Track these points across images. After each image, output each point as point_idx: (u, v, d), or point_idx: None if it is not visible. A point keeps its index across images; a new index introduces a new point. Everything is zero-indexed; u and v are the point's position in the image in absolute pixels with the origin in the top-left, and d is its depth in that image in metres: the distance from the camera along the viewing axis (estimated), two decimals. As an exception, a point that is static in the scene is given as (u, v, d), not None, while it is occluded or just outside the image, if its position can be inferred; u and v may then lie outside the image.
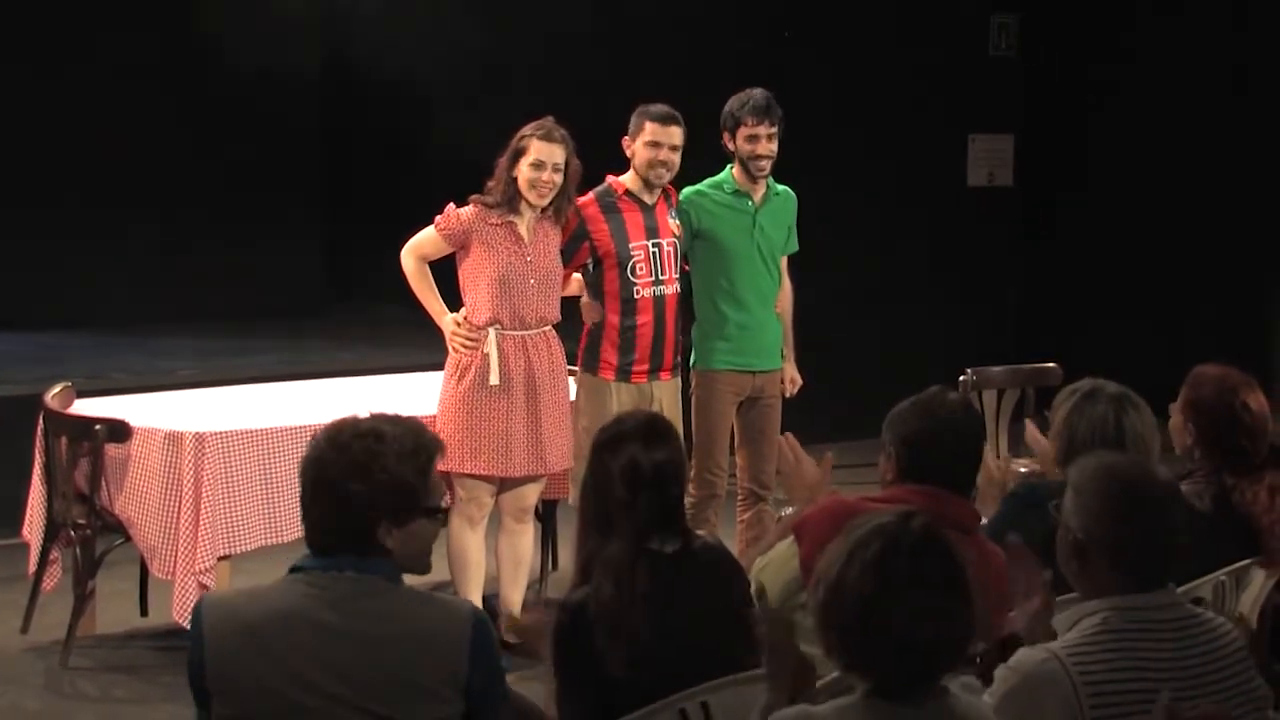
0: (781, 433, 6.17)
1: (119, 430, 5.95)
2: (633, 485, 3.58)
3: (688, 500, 5.74)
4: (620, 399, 6.21)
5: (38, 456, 6.21)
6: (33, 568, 6.25)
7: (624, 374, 6.29)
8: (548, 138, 5.96)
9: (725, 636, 3.51)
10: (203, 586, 5.74)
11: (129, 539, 6.04)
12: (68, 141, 10.85)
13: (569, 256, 6.24)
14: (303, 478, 3.08)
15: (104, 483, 6.01)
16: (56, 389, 6.33)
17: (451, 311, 6.11)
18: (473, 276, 6.04)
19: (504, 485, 6.11)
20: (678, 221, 6.42)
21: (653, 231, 6.31)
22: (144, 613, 6.49)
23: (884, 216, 10.60)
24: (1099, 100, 11.10)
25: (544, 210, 6.05)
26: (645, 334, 6.28)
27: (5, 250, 10.73)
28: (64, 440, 6.05)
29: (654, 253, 6.31)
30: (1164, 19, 10.81)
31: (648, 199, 6.34)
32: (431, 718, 3.02)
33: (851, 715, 2.74)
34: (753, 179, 6.50)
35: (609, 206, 6.30)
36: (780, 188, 6.66)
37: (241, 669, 2.99)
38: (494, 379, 5.98)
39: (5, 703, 5.78)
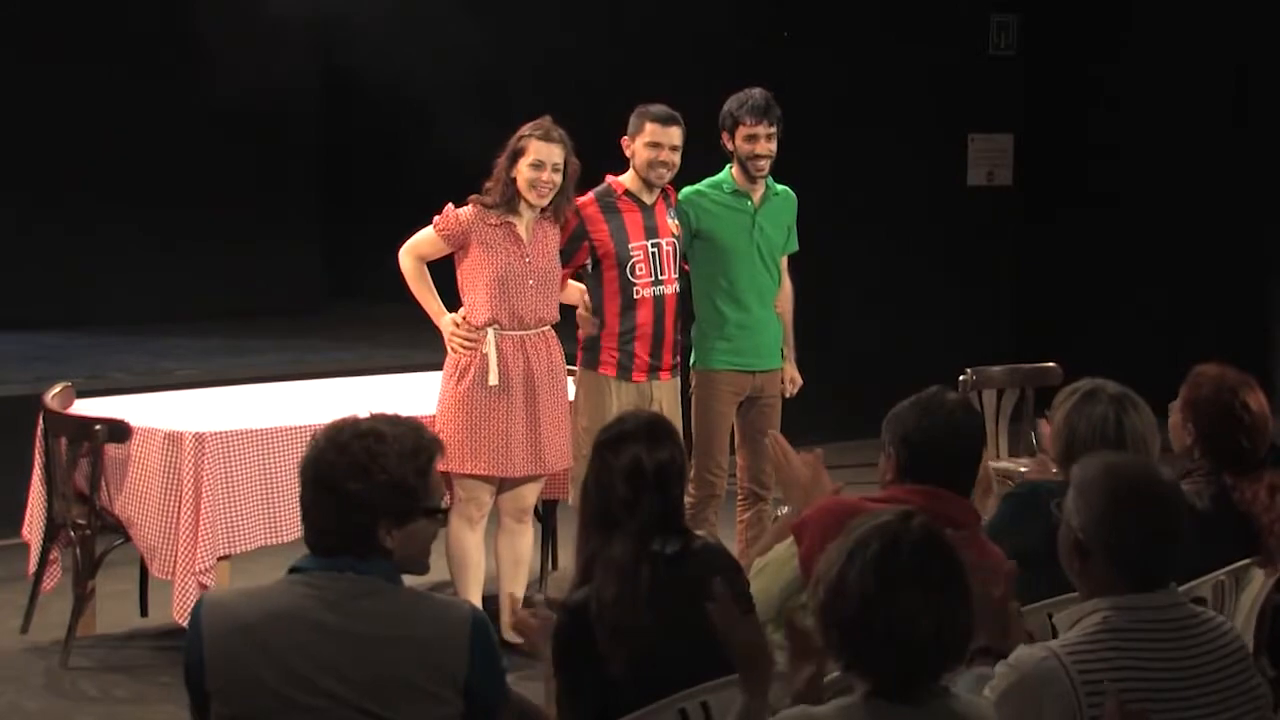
0: (782, 433, 6.19)
1: (119, 430, 5.95)
2: (635, 485, 3.58)
3: (688, 500, 5.74)
4: (620, 398, 6.21)
5: (38, 456, 6.21)
6: (33, 568, 6.25)
7: (624, 373, 6.29)
8: (546, 138, 5.96)
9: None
10: (202, 586, 5.74)
11: (129, 539, 6.04)
12: (68, 142, 10.86)
13: (568, 257, 6.24)
14: (302, 478, 3.08)
15: (104, 483, 6.01)
16: (56, 389, 6.33)
17: (450, 312, 6.11)
18: (471, 277, 6.04)
19: (503, 485, 6.11)
20: (677, 221, 6.42)
21: (652, 231, 6.32)
22: (144, 613, 6.49)
23: (884, 216, 10.60)
24: (1099, 100, 11.10)
25: (543, 210, 6.05)
26: (645, 334, 6.28)
27: (5, 250, 10.74)
28: (64, 440, 6.05)
29: (653, 253, 6.31)
30: (1164, 19, 10.81)
31: (647, 199, 6.34)
32: (431, 718, 3.01)
33: (852, 715, 2.74)
34: (752, 179, 6.50)
35: (608, 206, 6.30)
36: (780, 187, 6.66)
37: (240, 669, 2.98)
38: (493, 379, 5.98)
39: (5, 703, 5.78)
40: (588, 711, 3.47)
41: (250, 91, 11.16)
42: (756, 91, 6.48)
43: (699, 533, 3.83)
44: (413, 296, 6.17)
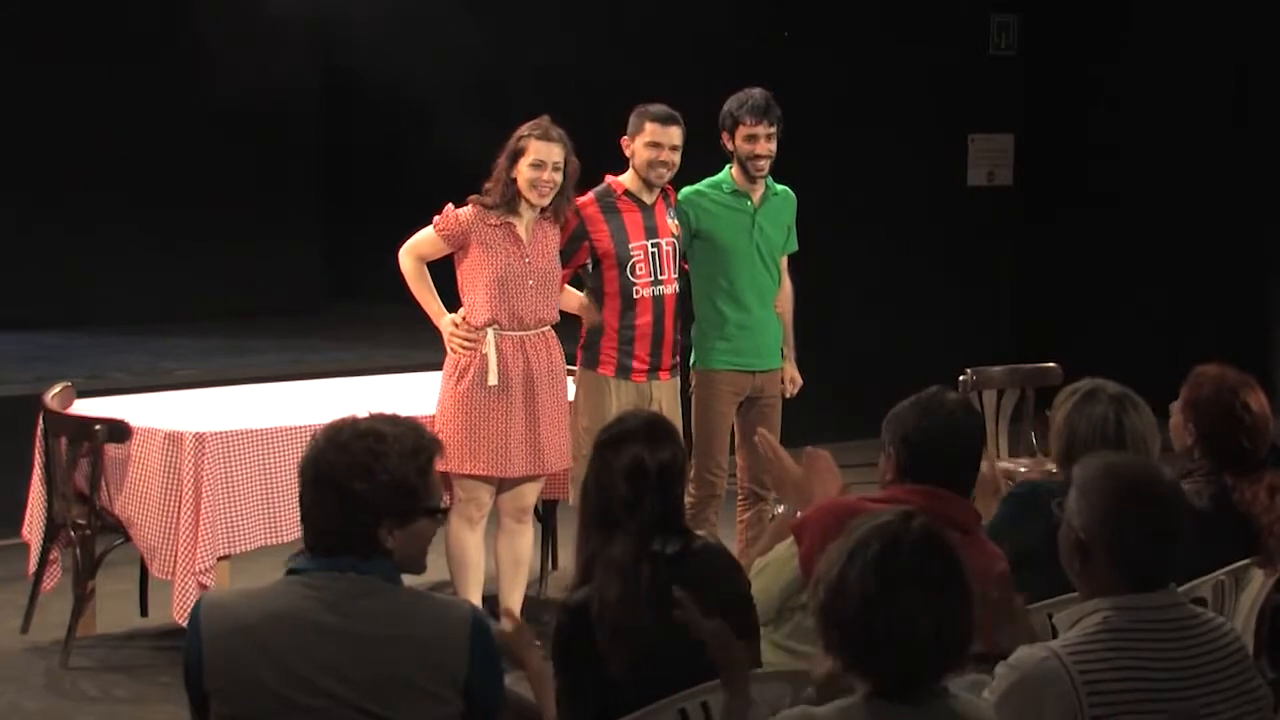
0: (782, 433, 6.20)
1: (119, 430, 5.96)
2: (637, 485, 3.58)
3: (688, 500, 5.74)
4: (620, 398, 6.21)
5: (38, 456, 6.21)
6: (33, 568, 6.25)
7: (624, 373, 6.29)
8: (545, 137, 5.96)
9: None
10: (202, 586, 5.75)
11: (129, 539, 6.04)
12: (68, 142, 10.86)
13: (568, 257, 6.24)
14: (302, 478, 3.08)
15: (104, 483, 6.01)
16: (56, 389, 6.33)
17: (450, 312, 6.11)
18: (471, 277, 6.03)
19: (503, 485, 6.11)
20: (676, 221, 6.42)
21: (652, 231, 6.32)
22: (144, 613, 6.49)
23: (884, 216, 10.60)
24: (1099, 100, 11.10)
25: (542, 210, 6.05)
26: (645, 334, 6.28)
27: (5, 250, 10.74)
28: (64, 440, 6.05)
29: (653, 253, 6.31)
30: (1164, 19, 10.81)
31: (647, 199, 6.34)
32: (431, 718, 3.01)
33: (853, 715, 2.74)
34: (751, 179, 6.50)
35: (608, 207, 6.30)
36: (779, 187, 6.66)
37: (240, 669, 2.98)
38: (492, 379, 5.98)
39: (5, 703, 5.78)
40: (588, 711, 3.47)
41: (250, 91, 11.16)
42: (756, 91, 6.48)
43: (699, 533, 3.83)
44: (412, 297, 6.17)
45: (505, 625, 3.52)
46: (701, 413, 6.57)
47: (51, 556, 6.22)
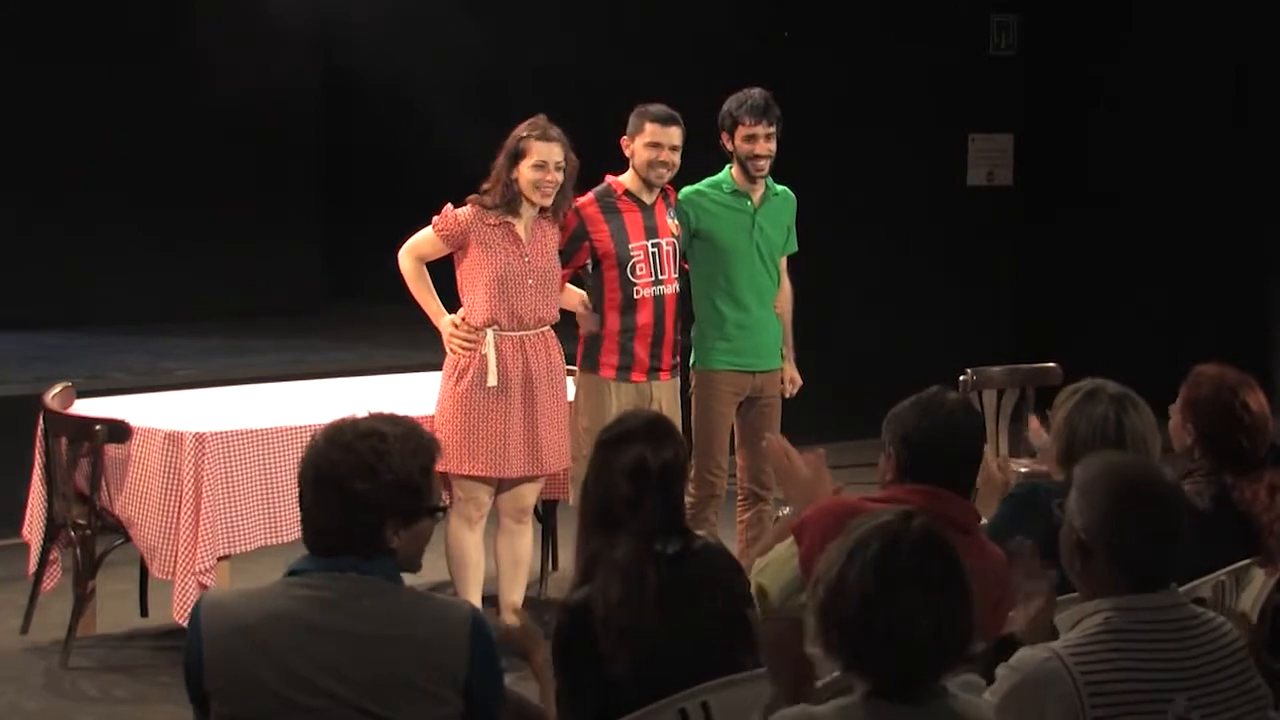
0: (782, 433, 6.19)
1: (119, 430, 5.95)
2: (639, 485, 3.57)
3: (687, 500, 5.74)
4: (620, 399, 6.21)
5: (38, 456, 6.21)
6: (33, 568, 6.25)
7: (624, 373, 6.29)
8: (545, 138, 5.96)
9: (725, 637, 3.51)
10: (202, 586, 5.74)
11: (129, 539, 6.04)
12: (68, 142, 10.86)
13: (568, 257, 6.24)
14: (304, 479, 3.07)
15: (104, 483, 6.01)
16: (56, 389, 6.33)
17: (449, 312, 6.11)
18: (471, 277, 6.03)
19: (502, 485, 6.11)
20: (676, 221, 6.42)
21: (652, 231, 6.31)
22: (144, 613, 6.49)
23: (884, 216, 10.60)
24: (1099, 100, 11.10)
25: (541, 209, 6.04)
26: (645, 334, 6.28)
27: (5, 250, 10.74)
28: (64, 440, 6.05)
29: (653, 253, 6.31)
30: (1164, 19, 10.81)
31: (647, 199, 6.34)
32: (430, 718, 3.01)
33: (852, 715, 2.74)
34: (751, 179, 6.50)
35: (608, 207, 6.30)
36: (779, 188, 6.66)
37: (240, 669, 2.98)
38: (492, 380, 5.98)
39: (5, 703, 5.78)
40: (588, 711, 3.46)
41: (250, 92, 11.17)
42: (756, 91, 6.48)
43: (699, 533, 3.83)
44: (412, 297, 6.17)
45: (514, 620, 3.53)
46: (701, 413, 6.56)
47: (51, 556, 6.22)
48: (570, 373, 6.35)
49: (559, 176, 5.98)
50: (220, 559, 5.86)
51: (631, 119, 6.30)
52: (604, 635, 3.45)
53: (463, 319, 6.04)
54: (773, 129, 6.45)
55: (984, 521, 3.98)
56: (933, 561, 2.74)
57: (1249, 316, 10.48)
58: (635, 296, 6.27)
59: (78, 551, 6.10)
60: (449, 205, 6.04)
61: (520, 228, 6.01)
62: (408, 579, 3.13)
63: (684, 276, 6.50)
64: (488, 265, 5.98)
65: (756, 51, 9.93)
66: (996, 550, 3.75)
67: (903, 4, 10.66)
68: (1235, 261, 10.51)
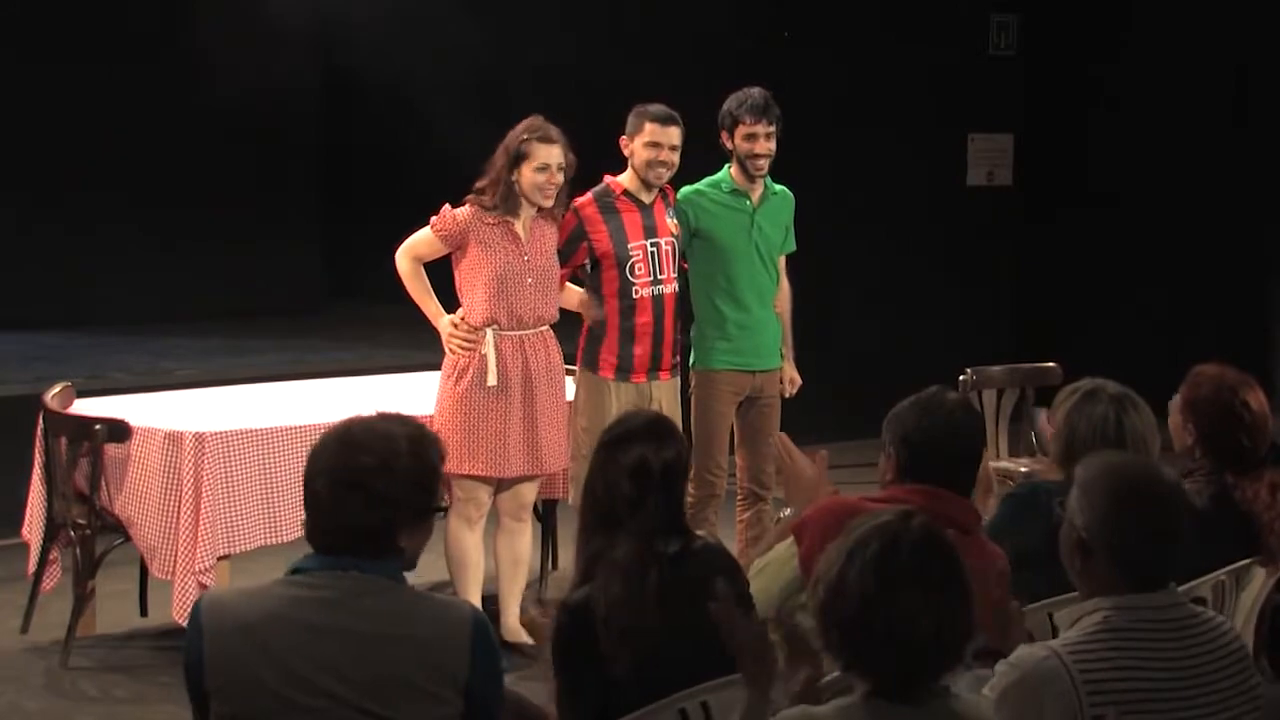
0: (781, 433, 6.19)
1: (119, 430, 5.95)
2: (642, 484, 3.57)
3: (687, 500, 5.73)
4: (619, 399, 6.21)
5: (38, 456, 6.21)
6: (32, 568, 6.25)
7: (624, 373, 6.29)
8: (546, 139, 5.96)
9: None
10: (202, 586, 5.74)
11: (129, 539, 6.04)
12: (68, 142, 10.86)
13: (566, 257, 6.24)
14: (318, 480, 3.06)
15: (104, 483, 6.01)
16: (56, 389, 6.33)
17: (447, 312, 6.10)
18: (470, 277, 6.03)
19: (501, 484, 6.11)
20: (676, 221, 6.42)
21: (651, 231, 6.31)
22: (144, 613, 6.49)
23: (884, 216, 10.60)
24: (1099, 100, 11.10)
25: (540, 208, 6.04)
26: (645, 334, 6.28)
27: (5, 250, 10.74)
28: (64, 440, 6.05)
29: (652, 252, 6.31)
30: (1164, 19, 10.81)
31: (645, 199, 6.34)
32: (430, 718, 3.01)
33: (852, 715, 2.74)
34: (750, 178, 6.50)
35: (607, 207, 6.29)
36: (778, 187, 6.66)
37: (240, 668, 2.98)
38: (491, 379, 5.98)
39: (5, 703, 5.78)
40: (588, 711, 3.46)
41: (250, 92, 11.17)
42: (755, 91, 6.48)
43: (699, 533, 3.83)
44: (410, 298, 6.17)
45: (534, 614, 3.53)
46: (701, 413, 6.56)
47: (51, 556, 6.22)
48: (569, 372, 6.35)
49: (560, 178, 5.99)
50: (220, 559, 5.86)
51: (630, 119, 6.30)
52: (605, 635, 3.45)
53: (462, 319, 6.04)
54: (772, 128, 6.45)
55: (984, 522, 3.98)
56: (932, 561, 2.74)
57: (1249, 316, 10.48)
58: (634, 296, 6.27)
59: (77, 551, 6.10)
60: (447, 205, 6.05)
61: (519, 227, 6.01)
62: (408, 578, 3.13)
63: (683, 276, 6.50)
64: (487, 265, 5.98)
65: (756, 51, 9.92)
66: (996, 550, 3.75)
67: (903, 4, 10.66)
68: (1235, 261, 10.51)
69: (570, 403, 6.29)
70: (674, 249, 6.38)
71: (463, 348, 6.01)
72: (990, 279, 11.24)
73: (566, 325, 6.30)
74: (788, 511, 4.27)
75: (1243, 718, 3.08)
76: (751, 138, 6.42)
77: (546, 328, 6.12)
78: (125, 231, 11.12)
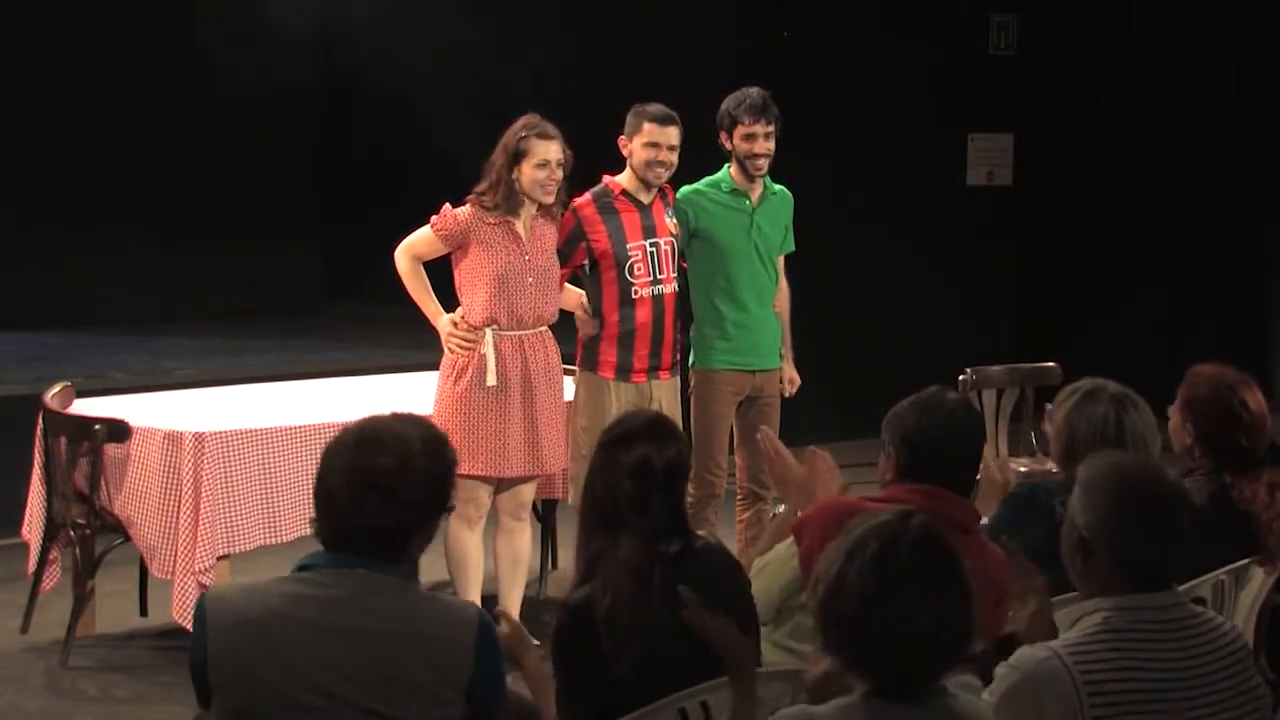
0: (782, 433, 6.20)
1: (119, 430, 5.96)
2: (644, 484, 3.56)
3: (687, 500, 5.73)
4: (619, 399, 6.21)
5: (37, 456, 6.21)
6: (32, 568, 6.25)
7: (623, 373, 6.29)
8: (545, 135, 5.96)
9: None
10: (202, 586, 5.74)
11: (129, 539, 6.04)
12: (68, 142, 10.86)
13: (566, 257, 6.24)
14: (333, 479, 3.05)
15: (104, 482, 6.01)
16: (56, 389, 6.33)
17: (446, 312, 6.10)
18: (470, 276, 6.03)
19: (500, 484, 6.11)
20: (675, 221, 6.42)
21: (650, 231, 6.31)
22: (144, 613, 6.49)
23: (884, 216, 10.60)
24: (1099, 100, 11.10)
25: (539, 207, 6.04)
26: (644, 334, 6.28)
27: (5, 250, 10.74)
28: (64, 440, 6.05)
29: (652, 252, 6.31)
30: (1164, 19, 10.81)
31: (644, 199, 6.34)
32: (432, 718, 3.01)
33: (852, 715, 2.74)
34: (750, 178, 6.50)
35: (606, 207, 6.29)
36: (777, 187, 6.66)
37: (242, 664, 2.98)
38: (491, 379, 5.98)
39: (5, 703, 5.78)
40: (588, 711, 3.46)
41: (250, 92, 11.18)
42: (754, 91, 6.48)
43: (699, 532, 3.83)
44: (409, 297, 6.17)
45: (502, 626, 3.52)
46: (701, 412, 6.56)
47: (51, 556, 6.22)
48: (569, 372, 6.35)
49: (560, 174, 5.99)
50: (220, 558, 5.86)
51: (629, 118, 6.30)
52: (606, 635, 3.45)
53: (461, 318, 6.04)
54: (771, 128, 6.45)
55: (984, 521, 3.98)
56: (932, 561, 2.74)
57: (1249, 316, 10.48)
58: (634, 296, 6.27)
59: (77, 551, 6.10)
60: (447, 205, 6.04)
61: (520, 226, 6.01)
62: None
63: (682, 276, 6.50)
64: (489, 264, 5.98)
65: (756, 51, 9.92)
66: (996, 550, 3.75)
67: (902, 4, 10.66)
68: (1235, 261, 10.51)
69: (570, 403, 6.29)
70: (673, 249, 6.38)
71: (462, 347, 6.01)
72: (990, 279, 11.24)
73: (566, 325, 6.30)
74: (781, 509, 4.27)
75: (1244, 718, 3.08)
76: (750, 138, 6.42)
77: (546, 328, 6.12)
78: (125, 231, 11.12)
